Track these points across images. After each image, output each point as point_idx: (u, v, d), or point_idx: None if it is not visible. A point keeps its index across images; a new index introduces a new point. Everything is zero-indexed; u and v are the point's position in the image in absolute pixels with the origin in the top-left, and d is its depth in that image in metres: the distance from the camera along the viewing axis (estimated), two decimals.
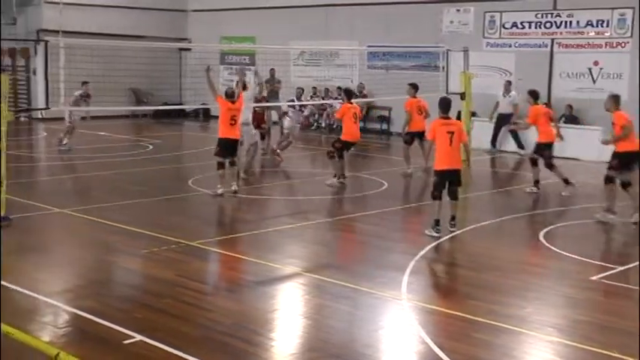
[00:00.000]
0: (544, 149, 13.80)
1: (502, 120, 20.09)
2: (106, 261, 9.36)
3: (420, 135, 15.84)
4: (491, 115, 20.32)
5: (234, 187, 13.04)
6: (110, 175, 15.24)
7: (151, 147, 19.61)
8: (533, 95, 14.06)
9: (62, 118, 22.98)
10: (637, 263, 9.11)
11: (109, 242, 10.10)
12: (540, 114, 13.85)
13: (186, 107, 25.38)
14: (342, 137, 14.54)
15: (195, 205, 12.83)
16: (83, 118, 20.02)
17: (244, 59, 27.75)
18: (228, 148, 13.15)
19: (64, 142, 18.38)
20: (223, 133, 13.13)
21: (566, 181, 13.72)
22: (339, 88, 24.12)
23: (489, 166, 18.21)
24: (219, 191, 12.93)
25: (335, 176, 14.37)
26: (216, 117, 17.52)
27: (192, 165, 17.52)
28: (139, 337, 6.55)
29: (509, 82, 20.39)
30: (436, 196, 10.51)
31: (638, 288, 8.17)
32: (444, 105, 10.63)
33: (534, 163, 13.99)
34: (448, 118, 10.71)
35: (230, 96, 13.16)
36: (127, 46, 19.01)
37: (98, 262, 9.31)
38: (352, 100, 15.07)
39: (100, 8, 26.48)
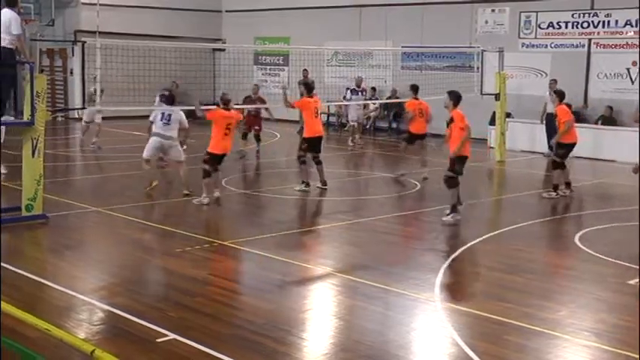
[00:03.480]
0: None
1: (552, 120, 18.40)
2: (140, 259, 9.46)
3: (422, 137, 15.79)
4: (542, 117, 19.18)
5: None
6: (145, 174, 15.36)
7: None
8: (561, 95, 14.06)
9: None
10: None
11: (143, 241, 10.20)
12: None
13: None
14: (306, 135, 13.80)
15: (228, 205, 12.89)
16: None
17: (278, 60, 27.86)
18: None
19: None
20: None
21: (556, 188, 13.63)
22: (372, 88, 24.12)
23: (528, 168, 17.99)
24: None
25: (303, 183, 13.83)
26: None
27: (225, 165, 17.54)
28: (172, 336, 6.60)
29: (554, 81, 18.90)
30: None
31: None
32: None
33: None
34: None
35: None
36: (162, 47, 19.16)
37: (133, 260, 9.40)
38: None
39: (137, 9, 26.81)
